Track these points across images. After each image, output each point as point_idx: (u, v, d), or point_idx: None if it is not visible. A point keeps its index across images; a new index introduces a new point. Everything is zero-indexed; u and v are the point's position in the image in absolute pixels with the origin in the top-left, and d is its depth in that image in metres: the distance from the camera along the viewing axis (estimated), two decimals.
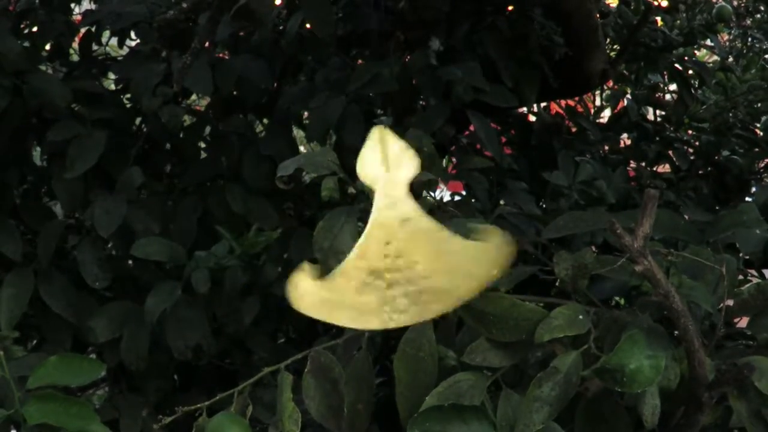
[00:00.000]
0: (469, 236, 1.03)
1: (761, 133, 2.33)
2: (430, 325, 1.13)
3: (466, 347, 1.12)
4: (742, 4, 2.86)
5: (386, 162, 0.98)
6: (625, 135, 2.40)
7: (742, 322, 1.36)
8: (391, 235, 0.98)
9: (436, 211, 1.38)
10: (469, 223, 1.13)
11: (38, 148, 1.92)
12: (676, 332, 1.11)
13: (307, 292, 0.97)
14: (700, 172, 2.26)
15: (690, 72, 2.34)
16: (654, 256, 1.04)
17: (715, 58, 2.92)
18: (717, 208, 2.09)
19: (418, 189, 1.38)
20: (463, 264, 1.01)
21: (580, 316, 1.08)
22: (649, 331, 1.04)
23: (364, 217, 1.33)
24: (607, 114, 2.62)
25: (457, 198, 1.97)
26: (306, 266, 0.98)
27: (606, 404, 1.10)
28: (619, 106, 2.43)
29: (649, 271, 1.01)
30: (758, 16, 2.92)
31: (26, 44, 1.85)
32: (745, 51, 2.92)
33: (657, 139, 2.31)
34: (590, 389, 1.05)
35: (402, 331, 1.17)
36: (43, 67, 1.94)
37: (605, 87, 2.50)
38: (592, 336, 1.07)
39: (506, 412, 1.05)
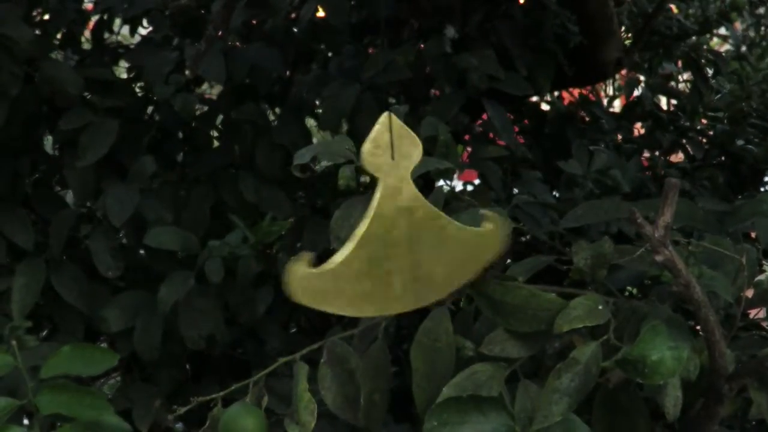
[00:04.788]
0: (467, 222, 1.05)
1: None
2: (447, 315, 1.13)
3: (483, 337, 1.12)
4: None
5: (390, 150, 0.97)
6: (638, 124, 2.39)
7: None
8: (391, 225, 0.99)
9: (451, 200, 1.37)
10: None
11: (50, 137, 1.91)
12: (692, 322, 1.10)
13: (304, 280, 0.99)
14: (714, 161, 2.24)
15: (704, 61, 2.33)
16: (674, 246, 1.03)
17: (727, 47, 2.90)
18: (731, 197, 2.07)
19: (434, 177, 1.37)
20: (461, 250, 1.04)
21: (600, 307, 1.07)
22: (670, 321, 1.03)
23: None
24: (618, 103, 2.60)
25: (469, 188, 1.96)
26: (304, 255, 0.99)
27: (625, 395, 1.10)
28: (633, 95, 2.42)
29: (670, 261, 1.00)
30: None
31: (38, 32, 1.84)
32: (758, 40, 2.90)
33: (671, 128, 2.30)
34: (611, 380, 1.04)
35: (415, 320, 1.16)
36: (54, 55, 1.93)
37: (618, 76, 2.48)
38: (612, 326, 1.06)
39: (525, 404, 1.04)
